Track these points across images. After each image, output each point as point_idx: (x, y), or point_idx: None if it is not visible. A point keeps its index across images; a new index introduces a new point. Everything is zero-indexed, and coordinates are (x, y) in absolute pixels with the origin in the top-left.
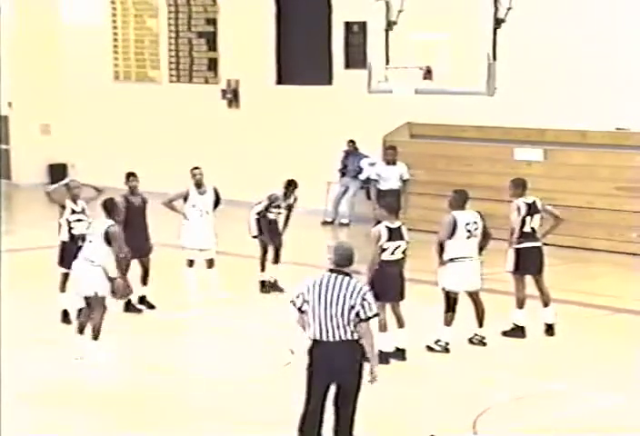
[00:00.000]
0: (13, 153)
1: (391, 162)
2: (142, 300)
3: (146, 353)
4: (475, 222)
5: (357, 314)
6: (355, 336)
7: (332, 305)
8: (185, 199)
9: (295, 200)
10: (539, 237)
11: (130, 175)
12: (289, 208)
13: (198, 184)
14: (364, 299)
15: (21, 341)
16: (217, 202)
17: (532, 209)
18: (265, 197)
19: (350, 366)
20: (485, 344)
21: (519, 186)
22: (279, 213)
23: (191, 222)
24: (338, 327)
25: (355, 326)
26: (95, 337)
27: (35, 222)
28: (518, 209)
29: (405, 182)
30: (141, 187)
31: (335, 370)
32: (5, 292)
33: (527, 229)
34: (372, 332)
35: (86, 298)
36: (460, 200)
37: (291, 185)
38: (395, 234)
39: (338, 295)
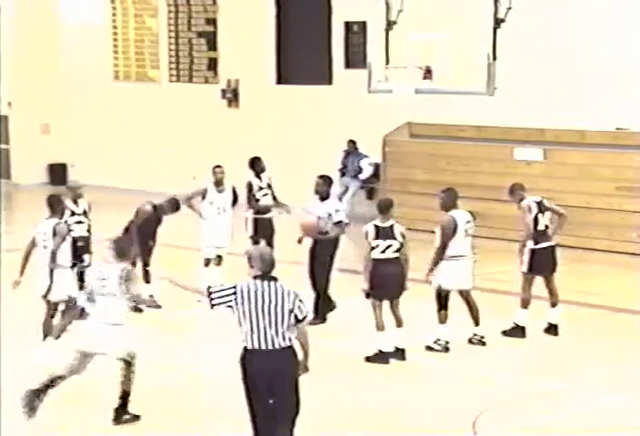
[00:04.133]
0: (13, 153)
1: (324, 196)
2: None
3: (147, 352)
4: (469, 222)
5: (295, 316)
6: (291, 343)
7: (271, 312)
8: (203, 196)
9: (269, 178)
10: (551, 235)
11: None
12: (269, 187)
13: (218, 183)
14: (300, 300)
15: (21, 340)
16: (235, 200)
17: (542, 207)
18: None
19: (288, 375)
20: (484, 343)
21: (518, 189)
22: (266, 195)
23: (208, 221)
24: (277, 334)
25: (291, 331)
26: (57, 337)
27: (35, 222)
28: (529, 209)
29: (337, 224)
30: (140, 187)
31: (273, 379)
32: (5, 291)
33: (541, 227)
34: (307, 331)
35: (55, 303)
36: (453, 198)
37: (255, 163)
38: (384, 233)
39: (276, 301)
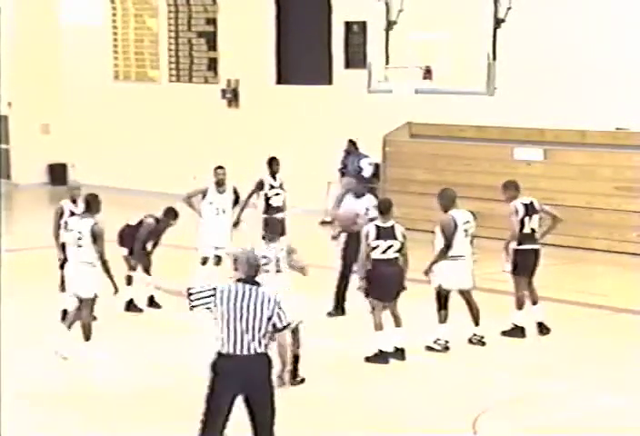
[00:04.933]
0: (13, 153)
1: (359, 194)
2: (151, 300)
3: (146, 353)
4: (469, 222)
5: (273, 325)
6: (266, 350)
7: (249, 317)
8: (204, 196)
9: (281, 180)
10: (538, 238)
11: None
12: (281, 187)
13: (219, 183)
14: (279, 308)
15: (21, 341)
16: (236, 201)
17: (530, 210)
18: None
19: (263, 381)
20: (484, 344)
21: (511, 188)
22: (278, 195)
23: (207, 221)
24: (253, 339)
25: (268, 338)
26: (87, 338)
27: (35, 222)
28: (516, 211)
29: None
30: (140, 187)
31: (248, 385)
32: (5, 292)
33: (527, 230)
34: (286, 343)
35: (81, 299)
36: (450, 198)
37: (272, 162)
38: (385, 233)
39: (255, 306)
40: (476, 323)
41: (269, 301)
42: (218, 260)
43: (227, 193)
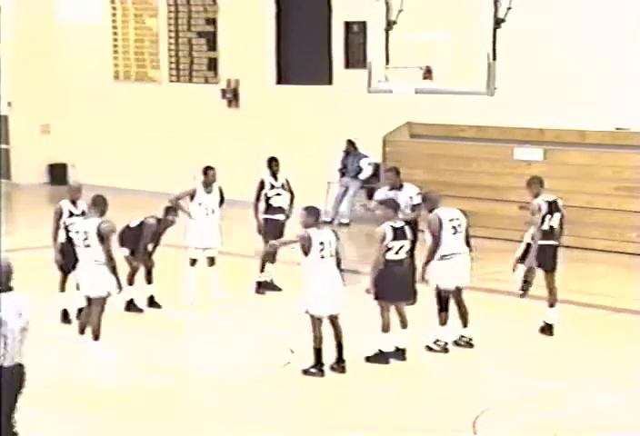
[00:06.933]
0: (13, 153)
1: (396, 186)
2: (151, 300)
3: (146, 353)
4: (458, 219)
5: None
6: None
7: (15, 327)
8: (192, 197)
9: (287, 181)
10: (557, 237)
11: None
12: (287, 188)
13: (207, 184)
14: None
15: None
16: (222, 201)
17: (552, 207)
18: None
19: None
20: (472, 345)
21: (536, 184)
22: (279, 195)
23: (197, 221)
24: (19, 349)
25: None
26: (96, 337)
27: (35, 222)
28: (539, 208)
29: (415, 207)
30: (141, 187)
31: (19, 393)
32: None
33: (546, 227)
34: None
35: (90, 298)
36: (435, 201)
37: (272, 163)
38: (399, 234)
39: (15, 316)
40: (464, 324)
41: (24, 309)
42: (212, 261)
43: (214, 192)
